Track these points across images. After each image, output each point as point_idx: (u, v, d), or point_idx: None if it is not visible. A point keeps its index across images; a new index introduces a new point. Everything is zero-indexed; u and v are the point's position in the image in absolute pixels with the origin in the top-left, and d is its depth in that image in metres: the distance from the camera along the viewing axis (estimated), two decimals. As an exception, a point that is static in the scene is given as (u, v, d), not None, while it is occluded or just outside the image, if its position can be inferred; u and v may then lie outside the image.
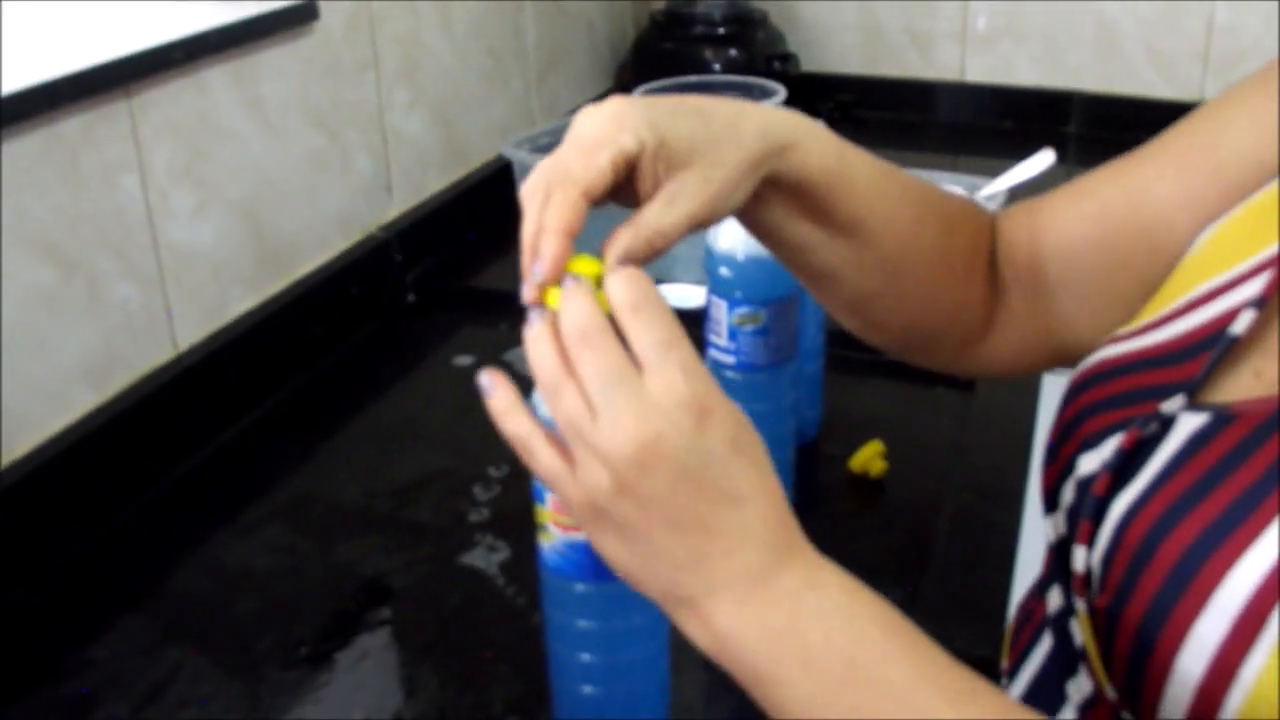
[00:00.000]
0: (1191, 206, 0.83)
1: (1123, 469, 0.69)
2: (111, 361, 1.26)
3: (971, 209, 0.94)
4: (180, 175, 1.32)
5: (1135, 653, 0.65)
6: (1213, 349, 0.71)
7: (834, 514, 1.22)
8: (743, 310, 1.07)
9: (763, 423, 0.90)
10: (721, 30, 2.26)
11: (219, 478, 1.30)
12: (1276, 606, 0.58)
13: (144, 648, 1.06)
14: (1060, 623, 0.75)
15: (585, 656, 0.87)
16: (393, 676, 1.02)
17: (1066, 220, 0.90)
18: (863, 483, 1.24)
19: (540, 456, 0.65)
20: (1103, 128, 2.25)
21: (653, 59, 2.27)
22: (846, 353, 1.37)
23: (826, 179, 0.80)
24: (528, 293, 0.68)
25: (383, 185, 1.68)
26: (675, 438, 0.61)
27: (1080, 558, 0.70)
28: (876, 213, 0.84)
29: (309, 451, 1.34)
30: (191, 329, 1.36)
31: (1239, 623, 0.60)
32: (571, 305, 0.64)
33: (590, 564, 0.82)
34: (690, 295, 1.59)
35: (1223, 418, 0.67)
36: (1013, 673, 0.83)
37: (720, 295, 1.09)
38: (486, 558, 1.14)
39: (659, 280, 1.61)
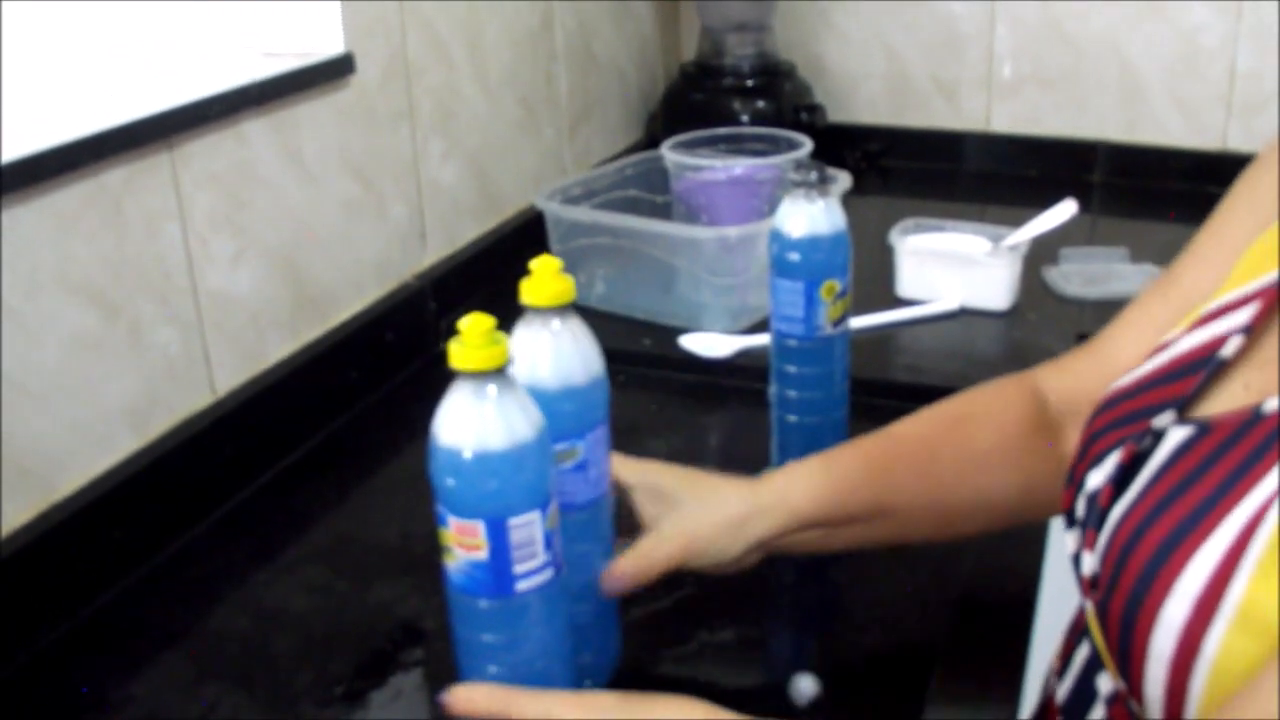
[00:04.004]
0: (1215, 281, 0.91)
1: (1122, 481, 0.79)
2: (152, 405, 1.29)
3: (990, 399, 1.08)
4: (220, 224, 1.36)
5: (1121, 640, 0.74)
6: (1205, 369, 0.80)
7: (860, 557, 1.24)
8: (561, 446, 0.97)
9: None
10: (750, 82, 2.29)
11: (257, 519, 1.32)
12: (1229, 585, 0.67)
13: (183, 685, 1.08)
14: (1088, 625, 0.83)
15: (492, 669, 0.89)
16: (425, 716, 1.04)
17: (1132, 352, 0.96)
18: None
19: None
20: (1127, 176, 2.27)
21: (682, 110, 2.30)
22: (872, 400, 1.39)
23: (829, 517, 1.02)
24: None
25: (417, 234, 1.71)
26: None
27: (1086, 563, 0.79)
28: (896, 496, 1.04)
29: (346, 494, 1.37)
30: (230, 374, 1.39)
31: (1199, 603, 0.68)
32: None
33: (492, 581, 0.86)
34: (716, 344, 1.61)
35: (1203, 429, 0.76)
36: (1061, 674, 0.90)
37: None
38: (518, 599, 1.16)
39: (689, 329, 1.64)
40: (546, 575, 0.88)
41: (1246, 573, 0.67)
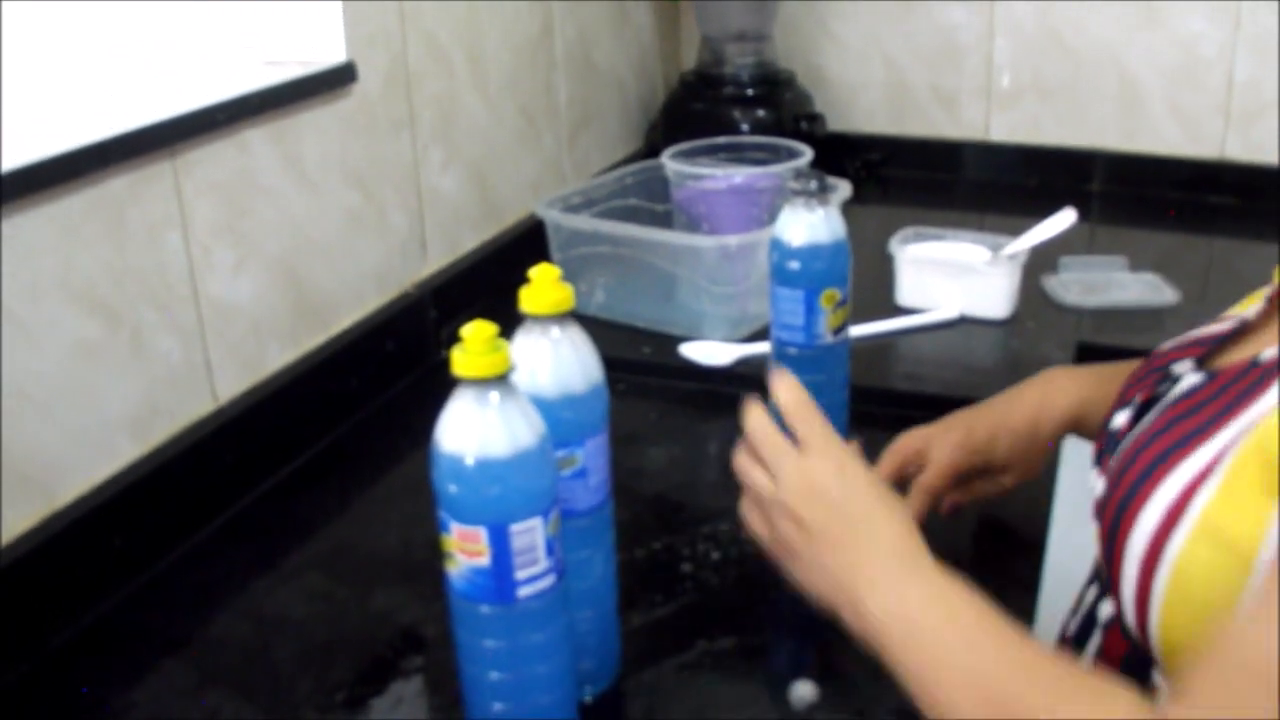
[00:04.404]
0: None
1: (1139, 416, 0.90)
2: (154, 413, 1.29)
3: None
4: (221, 232, 1.36)
5: (1108, 545, 0.84)
6: (1230, 331, 0.91)
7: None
8: (560, 454, 0.97)
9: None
10: (750, 91, 2.29)
11: (258, 527, 1.33)
12: (1195, 498, 0.77)
13: (184, 691, 1.08)
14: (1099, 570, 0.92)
15: (494, 674, 0.90)
16: (426, 721, 1.04)
17: None
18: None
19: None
20: (1125, 185, 2.27)
21: (682, 119, 2.31)
22: (871, 408, 1.40)
23: (1084, 423, 1.16)
24: None
25: (418, 242, 1.71)
26: (829, 484, 0.91)
27: (1098, 484, 0.89)
28: None
29: (346, 502, 1.37)
30: (231, 382, 1.39)
31: (1168, 511, 0.79)
32: (757, 422, 0.98)
33: (494, 586, 0.87)
34: (716, 352, 1.61)
35: (1210, 375, 0.86)
36: (1074, 612, 0.98)
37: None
38: (518, 606, 1.16)
39: (689, 337, 1.64)
40: (548, 581, 0.88)
41: (1211, 488, 0.77)
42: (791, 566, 0.94)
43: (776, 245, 1.23)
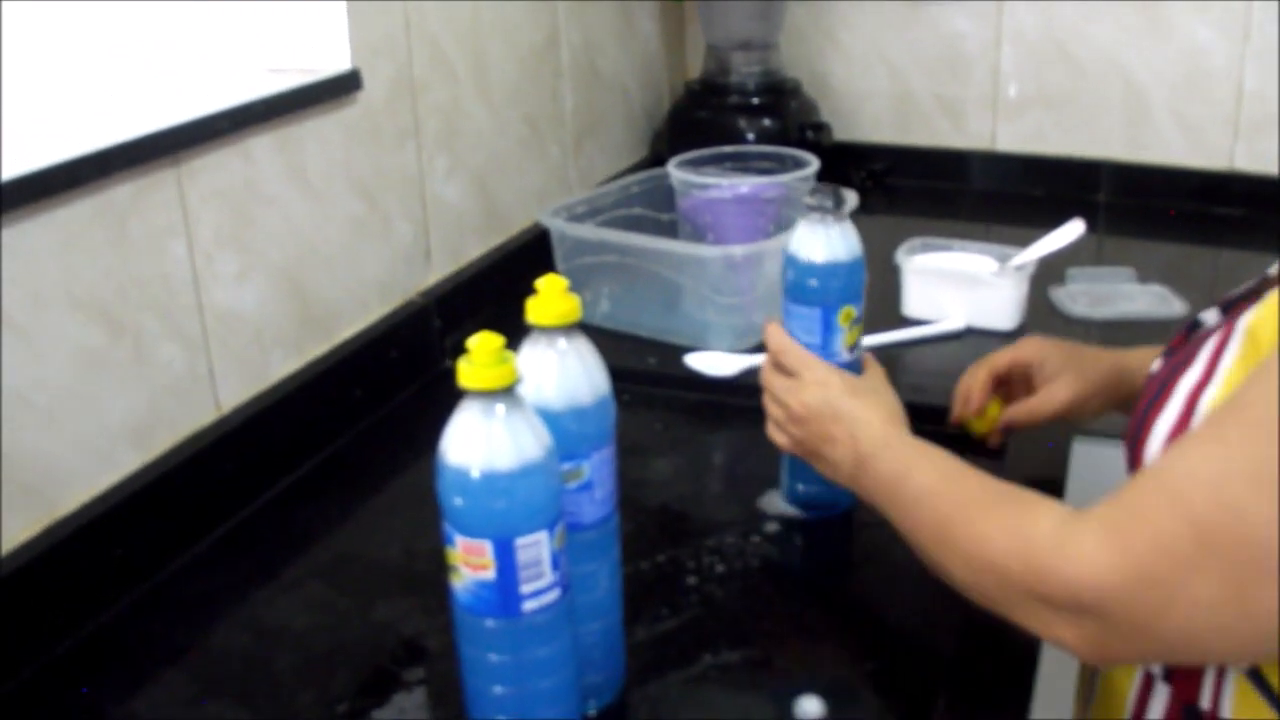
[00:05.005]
0: None
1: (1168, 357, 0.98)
2: (156, 422, 1.28)
3: None
4: (225, 240, 1.35)
5: (1129, 454, 0.93)
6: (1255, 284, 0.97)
7: (864, 577, 1.24)
8: (566, 466, 0.95)
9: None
10: (755, 100, 2.29)
11: (260, 536, 1.32)
12: (1201, 398, 0.86)
13: (185, 701, 1.07)
14: None
15: (498, 688, 0.90)
16: (429, 734, 1.03)
17: None
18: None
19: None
20: (1132, 196, 2.27)
21: (688, 128, 2.30)
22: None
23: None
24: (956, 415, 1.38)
25: (422, 251, 1.71)
26: (813, 400, 1.14)
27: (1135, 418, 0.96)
28: None
29: (349, 511, 1.36)
30: (234, 391, 1.38)
31: (1180, 414, 0.87)
32: (768, 369, 1.22)
33: (499, 600, 0.86)
34: (721, 363, 1.61)
35: (1226, 314, 0.95)
36: None
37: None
38: (522, 618, 1.15)
39: (694, 348, 1.64)
40: (553, 595, 0.88)
41: (1213, 388, 0.86)
42: (817, 467, 1.17)
43: (792, 262, 1.20)
